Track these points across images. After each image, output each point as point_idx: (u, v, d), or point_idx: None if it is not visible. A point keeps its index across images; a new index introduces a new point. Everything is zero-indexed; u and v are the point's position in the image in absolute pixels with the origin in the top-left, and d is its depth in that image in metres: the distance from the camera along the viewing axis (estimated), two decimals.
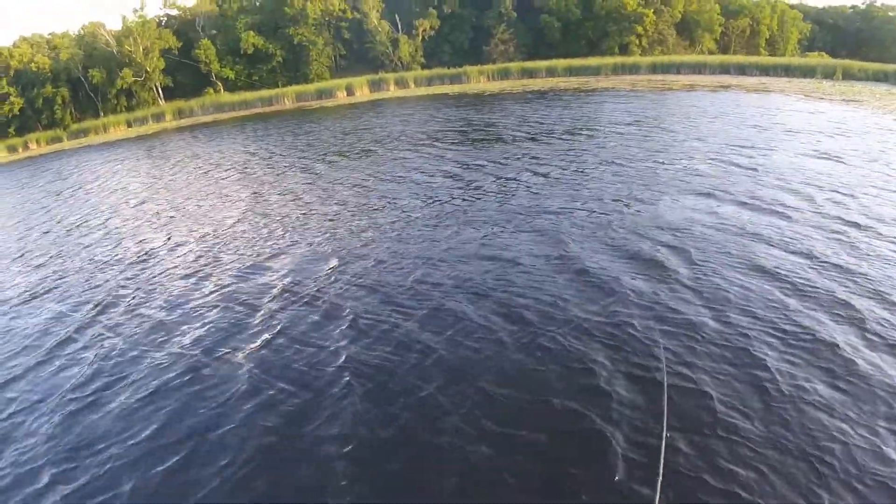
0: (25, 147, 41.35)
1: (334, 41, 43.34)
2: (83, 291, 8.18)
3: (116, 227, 11.69)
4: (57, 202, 15.98)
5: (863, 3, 58.22)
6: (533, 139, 16.39)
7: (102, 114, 45.10)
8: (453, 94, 35.43)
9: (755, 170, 10.91)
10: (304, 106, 38.86)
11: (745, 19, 49.72)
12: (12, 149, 40.88)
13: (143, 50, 43.38)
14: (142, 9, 44.28)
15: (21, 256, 10.57)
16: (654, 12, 45.01)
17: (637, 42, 44.85)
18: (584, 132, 17.17)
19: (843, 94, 25.09)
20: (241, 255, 8.86)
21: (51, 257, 10.19)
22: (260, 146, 21.36)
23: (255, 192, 13.20)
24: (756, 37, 50.27)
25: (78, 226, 12.41)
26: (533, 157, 13.62)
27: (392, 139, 18.83)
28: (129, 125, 42.11)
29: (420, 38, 43.33)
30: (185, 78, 44.13)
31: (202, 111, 41.85)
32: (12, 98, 44.76)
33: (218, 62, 42.67)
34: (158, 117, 42.20)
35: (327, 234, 9.39)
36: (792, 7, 53.91)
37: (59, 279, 8.86)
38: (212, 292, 7.55)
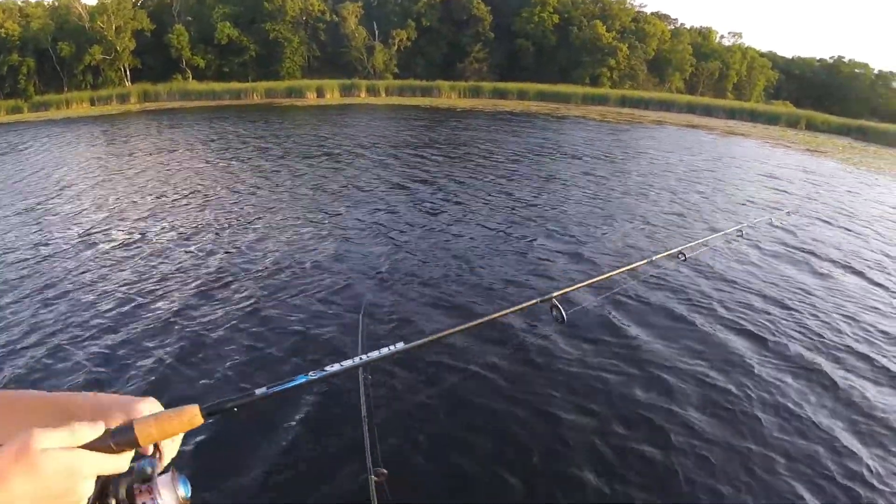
0: None
1: (309, 41, 43.20)
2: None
3: (57, 207, 11.22)
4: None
5: (831, 58, 60.27)
6: (502, 160, 16.38)
7: (67, 89, 43.92)
8: (423, 107, 35.63)
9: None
10: (272, 102, 38.47)
11: (716, 63, 51.50)
12: None
13: (116, 28, 42.50)
14: None
15: None
16: (627, 47, 46.32)
17: (608, 75, 46.04)
18: (554, 157, 17.39)
19: (807, 143, 26.09)
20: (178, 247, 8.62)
21: None
22: (224, 139, 20.77)
23: (211, 185, 12.75)
24: (724, 80, 52.08)
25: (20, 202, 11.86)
26: (500, 178, 13.71)
27: (362, 146, 18.54)
28: (93, 103, 40.98)
29: (396, 48, 43.51)
30: (154, 61, 43.43)
31: (168, 97, 41.15)
32: None
33: (190, 49, 42.12)
34: (123, 98, 41.22)
35: (274, 237, 9.08)
36: (762, 55, 55.96)
37: None
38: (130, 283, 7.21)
